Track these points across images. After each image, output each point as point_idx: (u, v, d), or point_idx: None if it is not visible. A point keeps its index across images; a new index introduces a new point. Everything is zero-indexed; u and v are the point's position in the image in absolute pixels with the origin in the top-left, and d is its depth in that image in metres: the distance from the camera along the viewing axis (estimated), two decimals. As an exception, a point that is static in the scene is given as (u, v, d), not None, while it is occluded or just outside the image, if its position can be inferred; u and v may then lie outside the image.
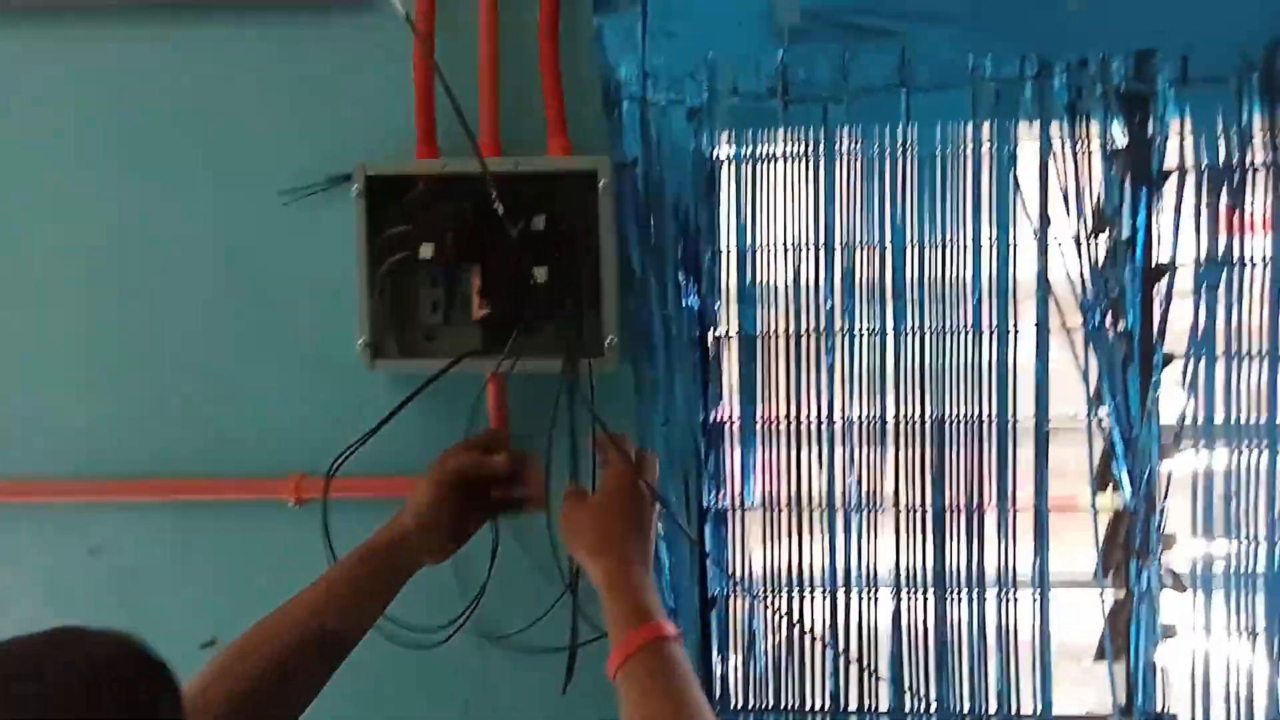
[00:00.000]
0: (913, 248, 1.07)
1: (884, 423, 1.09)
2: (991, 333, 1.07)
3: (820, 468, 1.11)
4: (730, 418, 1.12)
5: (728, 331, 1.11)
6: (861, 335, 1.09)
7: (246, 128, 1.15)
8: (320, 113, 1.13)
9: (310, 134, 1.13)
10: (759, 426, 1.11)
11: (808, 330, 1.10)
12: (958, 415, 1.08)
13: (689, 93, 1.08)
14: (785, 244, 1.10)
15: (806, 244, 1.09)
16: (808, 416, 1.11)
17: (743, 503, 1.12)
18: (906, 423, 1.09)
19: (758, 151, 1.09)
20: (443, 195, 1.07)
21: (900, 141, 1.07)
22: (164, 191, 1.16)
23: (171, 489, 1.17)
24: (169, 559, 1.20)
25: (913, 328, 1.08)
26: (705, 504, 1.12)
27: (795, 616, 1.12)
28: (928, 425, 1.09)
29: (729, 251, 1.10)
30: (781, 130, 1.08)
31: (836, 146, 1.08)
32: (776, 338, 1.11)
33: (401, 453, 1.12)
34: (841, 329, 1.09)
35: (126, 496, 1.17)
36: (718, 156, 1.10)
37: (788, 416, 1.11)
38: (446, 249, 1.03)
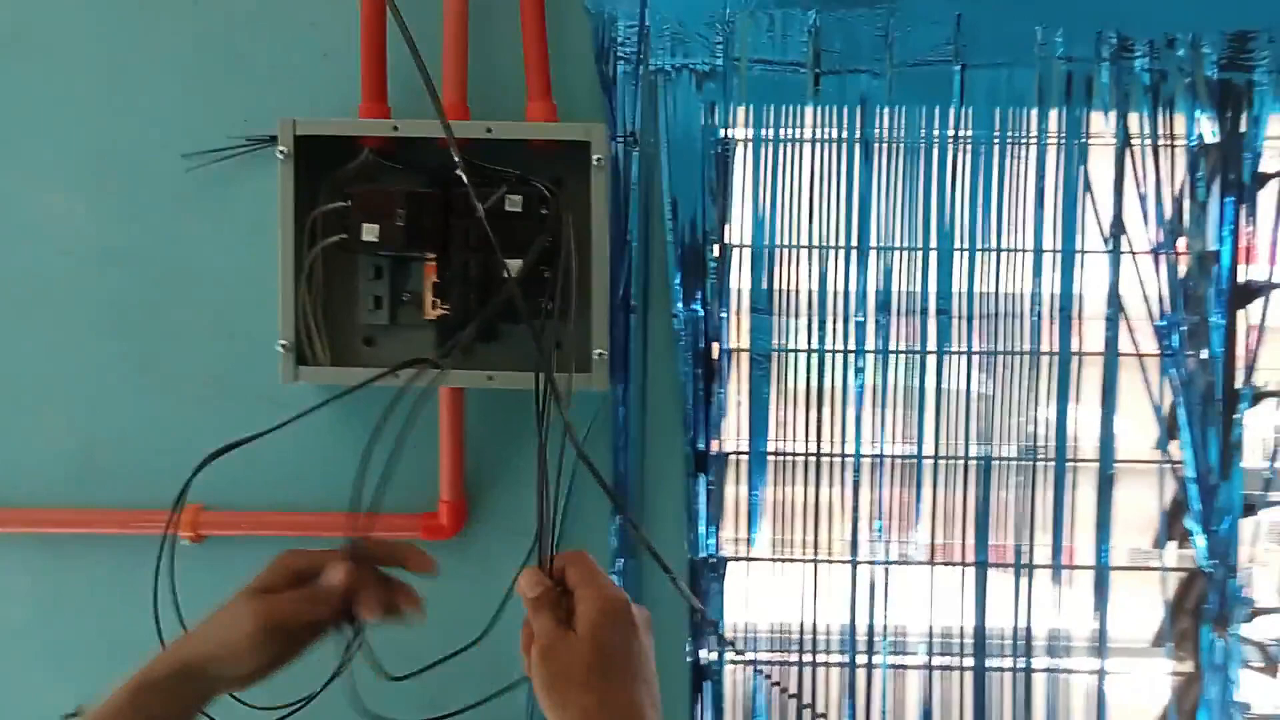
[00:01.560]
0: (961, 254, 0.90)
1: (920, 459, 0.92)
2: (1051, 356, 0.90)
3: (842, 511, 0.93)
4: (735, 449, 0.93)
5: (736, 346, 0.92)
6: (897, 355, 0.91)
7: (139, 76, 0.92)
8: (237, 59, 0.91)
9: (224, 86, 0.91)
10: (770, 460, 0.93)
11: (833, 347, 0.91)
12: (1007, 452, 0.91)
13: (699, 56, 0.89)
14: (809, 244, 0.91)
15: (835, 245, 0.91)
16: (829, 449, 0.92)
17: (748, 551, 0.93)
18: (947, 459, 0.91)
19: (781, 132, 0.90)
20: (392, 164, 0.86)
21: (951, 127, 0.89)
22: (24, 163, 0.92)
23: (35, 520, 0.93)
24: (29, 605, 0.95)
25: (958, 348, 0.90)
26: (700, 551, 0.92)
27: (805, 694, 0.93)
28: (971, 463, 0.91)
29: (741, 250, 0.91)
30: (810, 108, 0.90)
31: (875, 130, 0.90)
32: (795, 355, 0.92)
33: (326, 485, 0.90)
34: (874, 347, 0.91)
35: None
36: (732, 136, 0.91)
37: (805, 449, 0.92)
38: (395, 231, 0.82)
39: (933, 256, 0.90)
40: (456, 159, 0.74)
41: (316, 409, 0.77)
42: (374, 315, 0.88)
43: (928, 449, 0.91)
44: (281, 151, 0.82)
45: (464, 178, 0.75)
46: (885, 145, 0.90)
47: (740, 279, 0.91)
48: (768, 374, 0.92)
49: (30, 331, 0.93)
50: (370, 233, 0.83)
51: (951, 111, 0.89)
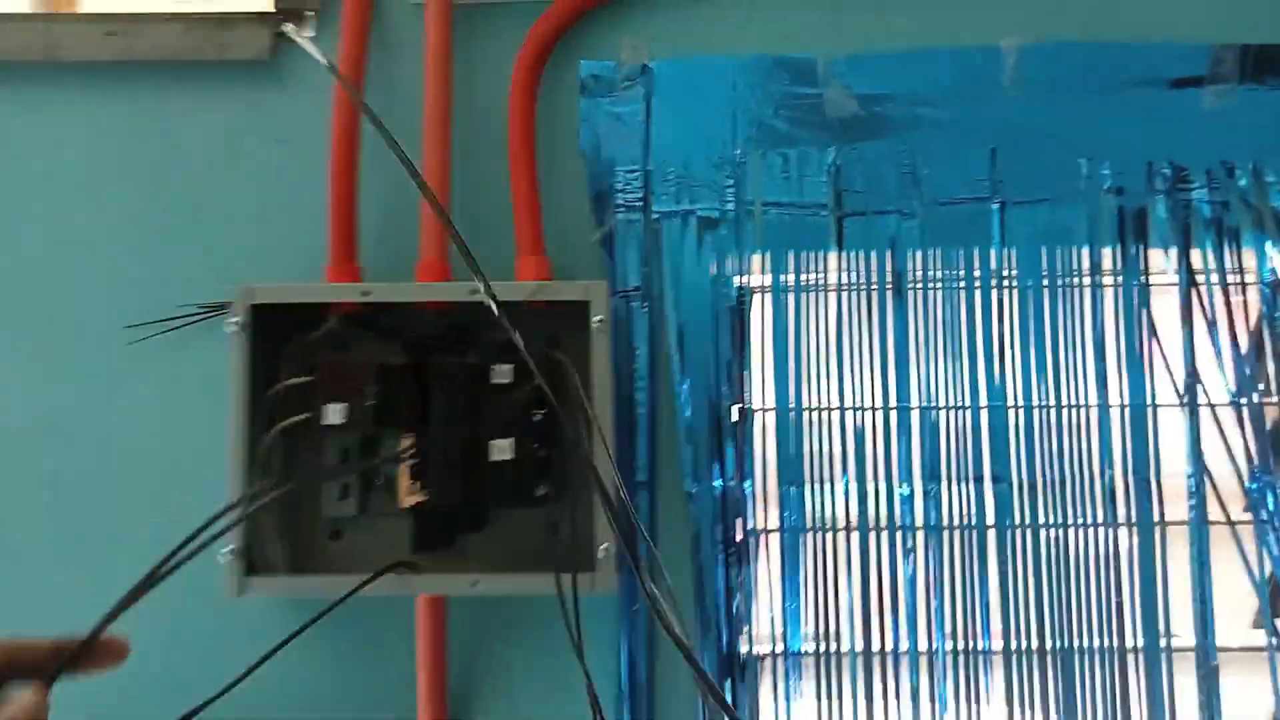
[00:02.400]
0: (1016, 411, 0.79)
1: (984, 654, 0.78)
2: (1130, 528, 0.78)
3: (898, 711, 0.78)
4: (769, 649, 0.79)
5: (763, 526, 0.79)
6: (954, 531, 0.78)
7: (78, 237, 0.82)
8: (187, 217, 0.82)
9: (172, 248, 0.81)
10: (809, 660, 0.78)
11: (876, 524, 0.79)
12: (1088, 645, 0.77)
13: (708, 200, 0.80)
14: (841, 405, 0.80)
15: (871, 405, 0.79)
16: (877, 645, 0.78)
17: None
18: (1019, 653, 0.77)
19: (802, 280, 0.80)
20: (363, 330, 0.75)
21: (994, 271, 0.79)
22: None
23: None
24: None
25: (1021, 522, 0.78)
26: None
27: None
28: (1049, 655, 0.77)
29: (764, 414, 0.80)
30: (835, 254, 0.80)
31: (909, 274, 0.80)
32: (833, 533, 0.79)
33: (285, 705, 0.76)
34: (924, 523, 0.78)
35: None
36: (748, 285, 0.81)
37: (850, 644, 0.78)
38: (364, 412, 0.71)
39: (983, 415, 0.79)
40: (509, 326, 0.61)
41: (313, 622, 0.64)
42: (341, 505, 0.76)
43: (994, 643, 0.77)
44: (234, 322, 0.71)
45: (518, 341, 0.61)
46: (921, 291, 0.80)
47: (764, 448, 0.79)
48: (798, 558, 0.79)
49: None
50: (336, 414, 0.71)
51: (992, 253, 0.79)
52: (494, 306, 0.60)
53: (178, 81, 0.82)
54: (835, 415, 0.79)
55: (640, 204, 0.80)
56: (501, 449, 0.70)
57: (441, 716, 0.76)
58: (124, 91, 0.82)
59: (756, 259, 0.80)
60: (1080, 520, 0.78)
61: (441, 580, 0.72)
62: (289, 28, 0.75)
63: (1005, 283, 0.79)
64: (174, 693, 0.75)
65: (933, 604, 0.78)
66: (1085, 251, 0.79)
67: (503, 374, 0.72)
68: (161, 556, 0.71)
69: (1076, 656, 0.77)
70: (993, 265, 0.79)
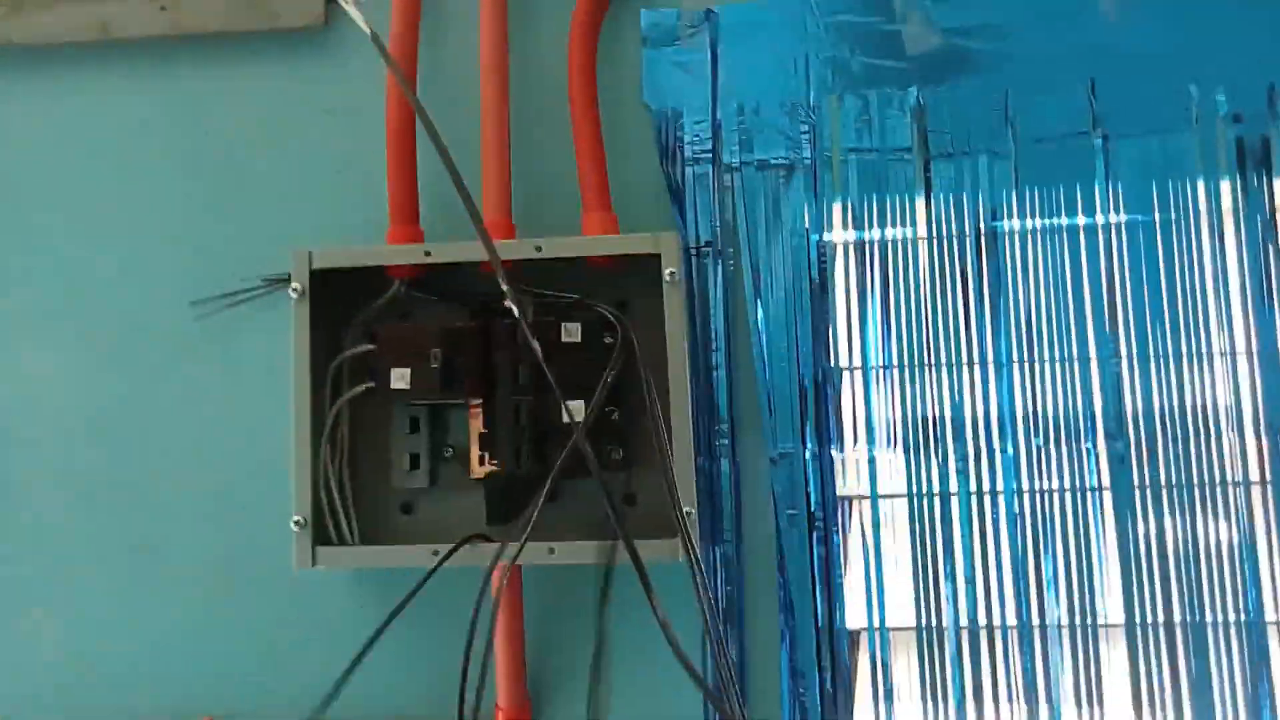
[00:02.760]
0: (1130, 362, 0.72)
1: (1093, 624, 0.71)
2: (1264, 486, 0.70)
3: (1010, 693, 0.72)
4: (859, 624, 0.73)
5: (852, 493, 0.74)
6: (1064, 494, 0.72)
7: (131, 215, 0.81)
8: (251, 187, 0.80)
9: (236, 221, 0.80)
10: (903, 635, 0.73)
11: (977, 489, 0.73)
12: (1221, 618, 0.70)
13: (782, 150, 0.76)
14: (934, 361, 0.74)
15: (968, 360, 0.74)
16: (983, 618, 0.72)
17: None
18: (1142, 626, 0.71)
19: (888, 231, 0.75)
20: (427, 296, 0.73)
21: (1098, 210, 0.73)
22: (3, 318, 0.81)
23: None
24: None
25: (1142, 482, 0.71)
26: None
27: None
28: (1177, 629, 0.70)
29: (851, 373, 0.75)
30: (921, 199, 0.75)
31: (1003, 219, 0.74)
32: (930, 500, 0.73)
33: (359, 690, 0.73)
34: (1029, 486, 0.72)
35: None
36: (829, 239, 0.76)
37: (955, 619, 0.72)
38: (429, 375, 0.68)
39: (1092, 367, 0.72)
40: (505, 287, 0.60)
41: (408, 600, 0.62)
42: (411, 477, 0.73)
43: (1114, 613, 0.71)
44: (295, 289, 0.69)
45: (514, 309, 0.61)
46: (1019, 235, 0.74)
47: (853, 409, 0.74)
48: (880, 523, 0.73)
49: (7, 514, 0.79)
50: (400, 379, 0.69)
51: (1096, 191, 0.73)
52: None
53: (228, 54, 0.81)
54: (929, 373, 0.74)
55: (710, 155, 0.76)
56: (574, 410, 0.67)
57: (521, 698, 0.73)
58: (176, 66, 0.81)
59: (837, 209, 0.75)
60: (1206, 480, 0.70)
61: (518, 550, 0.68)
62: (342, -6, 0.74)
63: (1112, 222, 0.73)
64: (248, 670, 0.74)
65: (1044, 573, 0.71)
66: (1201, 185, 0.72)
67: (571, 333, 0.68)
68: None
69: (1209, 631, 0.70)
70: (1097, 205, 0.73)
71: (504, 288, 0.62)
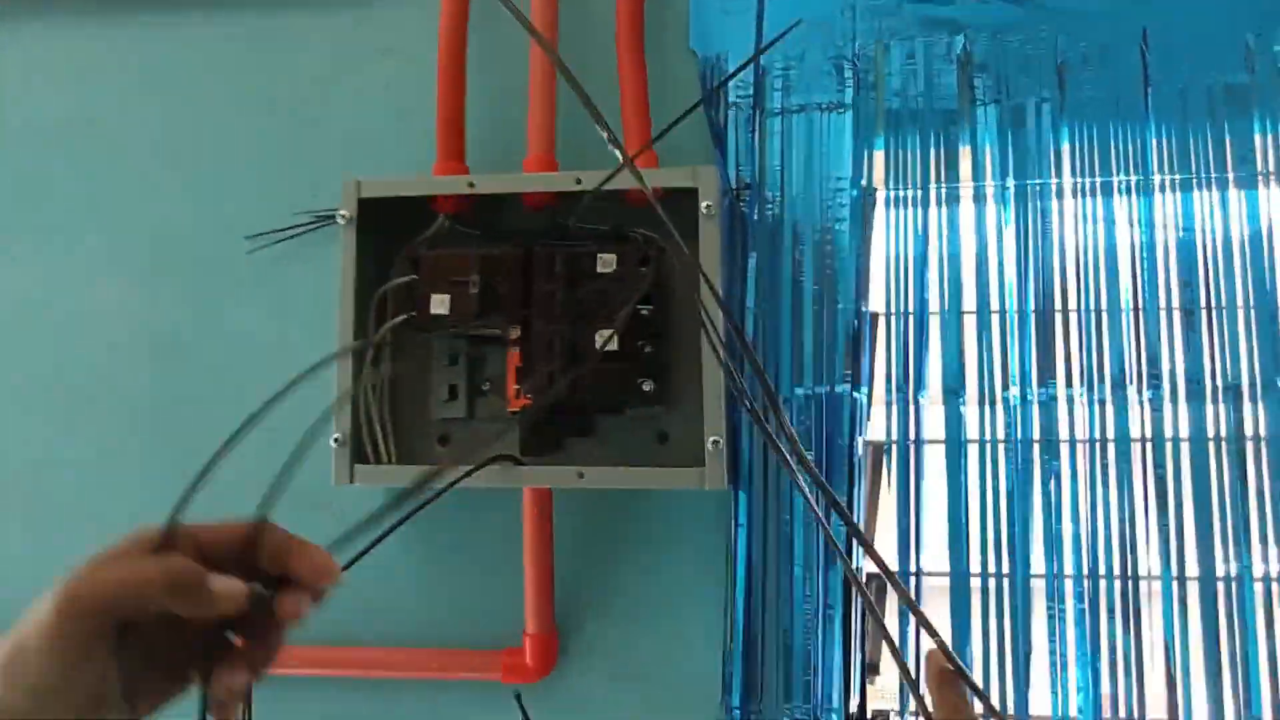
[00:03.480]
0: (1170, 313, 0.70)
1: (1144, 579, 0.69)
2: (1320, 442, 0.68)
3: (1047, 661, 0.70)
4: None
5: (887, 439, 0.74)
6: (1105, 444, 0.70)
7: (199, 151, 0.85)
8: (304, 127, 0.83)
9: (289, 158, 0.83)
10: (935, 584, 0.72)
11: (1021, 436, 0.71)
12: (1268, 571, 0.68)
13: (827, 95, 0.76)
14: (976, 308, 0.73)
15: (1017, 308, 0.73)
16: (1031, 567, 0.71)
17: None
18: (1179, 580, 0.69)
19: (933, 174, 0.75)
20: (471, 230, 0.75)
21: (1150, 160, 0.72)
22: (71, 250, 0.85)
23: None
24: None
25: (1218, 431, 0.69)
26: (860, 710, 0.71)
27: None
28: (1220, 582, 0.68)
29: (890, 319, 0.74)
30: (968, 147, 0.74)
31: (1051, 165, 0.73)
32: (970, 448, 0.72)
33: (390, 615, 0.75)
34: (1071, 436, 0.71)
35: None
36: (872, 185, 0.76)
37: (997, 568, 0.71)
38: (468, 301, 0.69)
39: (1141, 319, 0.71)
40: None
41: (407, 518, 0.63)
42: (449, 407, 0.75)
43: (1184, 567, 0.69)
44: (343, 216, 0.72)
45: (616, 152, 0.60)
46: (1071, 182, 0.73)
47: (891, 354, 0.74)
48: (911, 471, 0.72)
49: (70, 433, 0.83)
50: (440, 304, 0.70)
51: (1150, 142, 0.72)
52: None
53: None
54: (970, 320, 0.73)
55: (752, 100, 0.77)
56: (603, 337, 0.68)
57: (549, 625, 0.74)
58: (234, 10, 0.84)
59: (880, 155, 0.75)
60: (1256, 435, 0.68)
61: (546, 472, 0.69)
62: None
63: (1163, 170, 0.71)
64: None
65: (1085, 526, 0.70)
66: (1257, 137, 0.70)
67: (606, 263, 0.69)
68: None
69: (1254, 583, 0.68)
70: (1154, 153, 0.72)
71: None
